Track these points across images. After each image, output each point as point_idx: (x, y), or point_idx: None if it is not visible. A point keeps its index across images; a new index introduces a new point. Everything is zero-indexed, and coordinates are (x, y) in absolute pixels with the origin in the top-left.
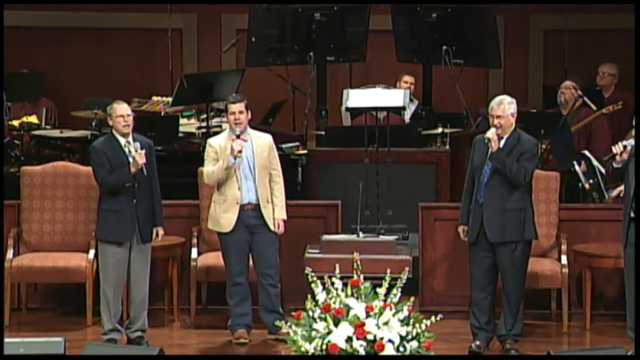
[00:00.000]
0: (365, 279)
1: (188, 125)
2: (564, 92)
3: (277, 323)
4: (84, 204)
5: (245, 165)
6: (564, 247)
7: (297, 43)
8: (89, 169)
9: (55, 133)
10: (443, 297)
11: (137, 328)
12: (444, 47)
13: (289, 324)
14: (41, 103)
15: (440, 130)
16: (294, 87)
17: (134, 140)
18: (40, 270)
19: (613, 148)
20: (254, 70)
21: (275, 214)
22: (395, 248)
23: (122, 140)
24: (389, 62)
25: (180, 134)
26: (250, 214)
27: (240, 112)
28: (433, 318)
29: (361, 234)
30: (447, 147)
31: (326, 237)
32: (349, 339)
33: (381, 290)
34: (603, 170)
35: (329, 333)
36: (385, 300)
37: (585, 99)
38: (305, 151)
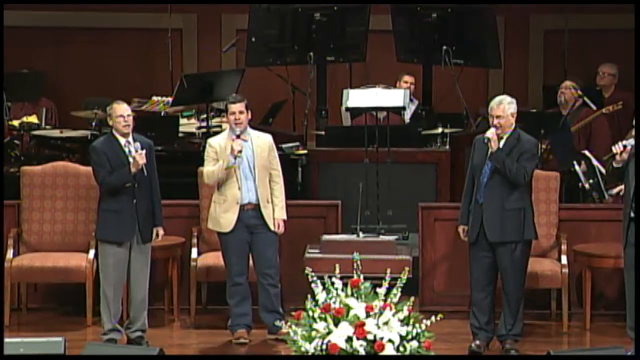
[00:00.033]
0: (365, 279)
1: (188, 125)
2: (564, 92)
3: (277, 323)
4: (84, 204)
5: (245, 165)
6: (564, 247)
7: (297, 43)
8: (89, 169)
9: (55, 133)
10: (443, 297)
11: (137, 328)
12: (444, 47)
13: (289, 324)
14: (41, 103)
15: (440, 130)
16: (294, 87)
17: (134, 140)
18: (40, 270)
19: (613, 148)
20: (254, 70)
21: (275, 214)
22: (395, 248)
23: (122, 140)
24: (389, 62)
25: (180, 134)
26: (250, 214)
27: (241, 112)
28: (433, 318)
29: (361, 234)
30: (447, 147)
31: (326, 237)
32: (349, 339)
33: (381, 290)
34: (603, 170)
35: (329, 333)
36: (385, 300)
37: (585, 99)
38: (305, 151)
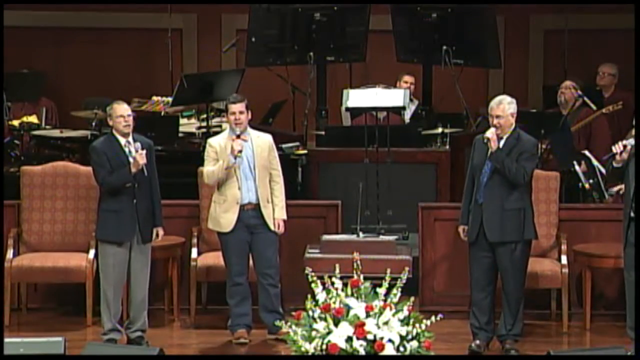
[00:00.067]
0: (365, 279)
1: (188, 125)
2: (564, 92)
3: (277, 323)
4: (84, 204)
5: (245, 165)
6: (564, 247)
7: (297, 43)
8: (89, 169)
9: (55, 133)
10: (443, 297)
11: (137, 328)
12: (444, 47)
13: (289, 324)
14: (41, 103)
15: (440, 130)
16: (294, 87)
17: (134, 140)
18: (40, 270)
19: (613, 147)
20: (254, 70)
21: (276, 214)
22: (395, 248)
23: (122, 141)
24: (389, 62)
25: (180, 134)
26: (251, 214)
27: (241, 112)
28: (433, 318)
29: (361, 234)
30: (447, 147)
31: (326, 237)
32: (349, 339)
33: (381, 290)
34: (603, 170)
35: (329, 333)
36: (385, 300)
37: (585, 99)
38: (305, 151)
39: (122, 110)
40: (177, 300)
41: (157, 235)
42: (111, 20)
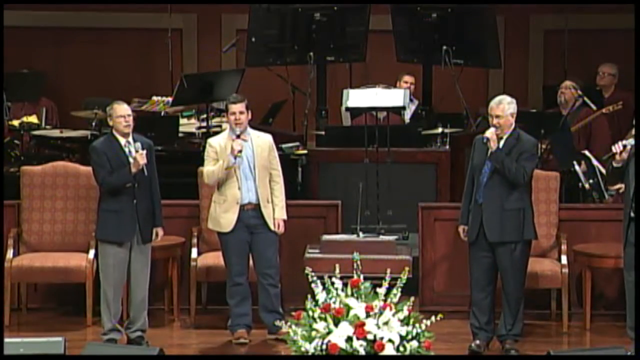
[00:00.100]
0: (365, 279)
1: (188, 125)
2: (564, 92)
3: (277, 323)
4: (84, 204)
5: (245, 165)
6: (564, 247)
7: (297, 43)
8: (89, 169)
9: (55, 133)
10: (443, 297)
11: (137, 328)
12: (444, 47)
13: (289, 324)
14: (41, 103)
15: (440, 130)
16: (294, 87)
17: (134, 140)
18: (40, 270)
19: (613, 147)
20: (254, 70)
21: (276, 213)
22: (395, 248)
23: (122, 141)
24: (389, 62)
25: (180, 134)
26: (251, 214)
27: (241, 112)
28: (433, 318)
29: (361, 234)
30: (447, 147)
31: (326, 237)
32: (349, 339)
33: (381, 290)
34: (603, 170)
35: (329, 333)
36: (385, 300)
37: (585, 99)
38: (305, 151)
39: (122, 111)
40: (177, 300)
41: (157, 235)
42: (111, 20)
